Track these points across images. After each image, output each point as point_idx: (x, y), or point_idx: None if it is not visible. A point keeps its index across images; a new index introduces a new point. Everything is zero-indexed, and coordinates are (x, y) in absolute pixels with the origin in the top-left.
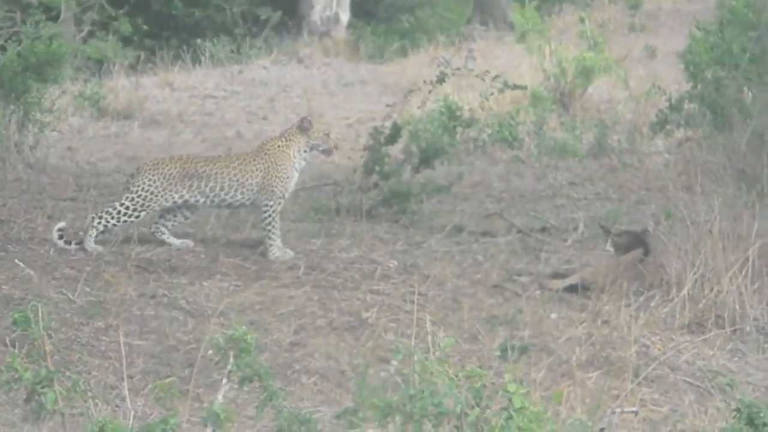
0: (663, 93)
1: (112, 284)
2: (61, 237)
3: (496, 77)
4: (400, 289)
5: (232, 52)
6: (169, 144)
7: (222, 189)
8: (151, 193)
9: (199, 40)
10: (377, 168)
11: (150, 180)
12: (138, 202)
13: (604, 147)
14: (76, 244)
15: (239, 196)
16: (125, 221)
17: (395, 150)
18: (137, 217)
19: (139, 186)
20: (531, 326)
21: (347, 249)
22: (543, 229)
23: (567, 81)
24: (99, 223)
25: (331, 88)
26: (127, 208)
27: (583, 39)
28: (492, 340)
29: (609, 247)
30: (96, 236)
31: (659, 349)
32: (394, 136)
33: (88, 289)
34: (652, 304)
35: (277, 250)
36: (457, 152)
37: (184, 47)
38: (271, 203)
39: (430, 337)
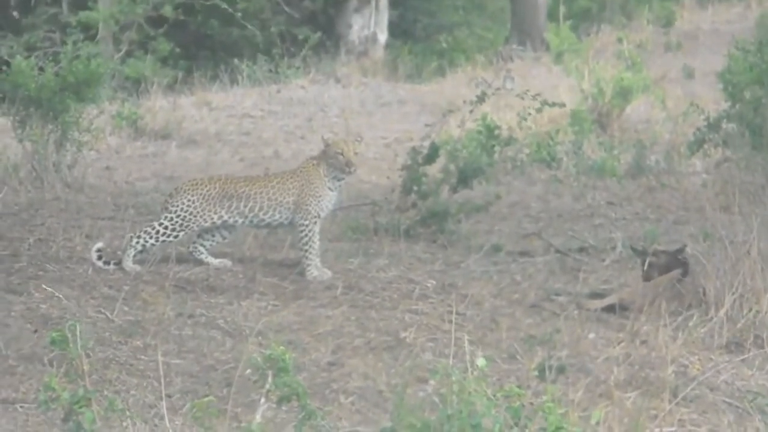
0: (701, 113)
1: (150, 303)
2: (99, 257)
3: (537, 96)
4: (438, 309)
5: (270, 71)
6: (207, 164)
7: (261, 209)
8: (190, 213)
9: (236, 60)
10: (415, 188)
11: (189, 200)
12: (177, 222)
13: (641, 167)
14: (115, 264)
15: (277, 216)
16: (164, 241)
17: (433, 170)
18: (176, 237)
19: (177, 206)
20: (569, 346)
21: (385, 269)
22: (581, 249)
23: (605, 101)
24: (137, 242)
25: (369, 108)
26: (166, 227)
27: (621, 59)
28: (530, 359)
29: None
30: (134, 256)
31: (698, 370)
32: (432, 156)
33: (126, 309)
34: (691, 324)
35: (315, 269)
36: (495, 172)
37: (222, 67)
38: (307, 222)
39: (468, 357)
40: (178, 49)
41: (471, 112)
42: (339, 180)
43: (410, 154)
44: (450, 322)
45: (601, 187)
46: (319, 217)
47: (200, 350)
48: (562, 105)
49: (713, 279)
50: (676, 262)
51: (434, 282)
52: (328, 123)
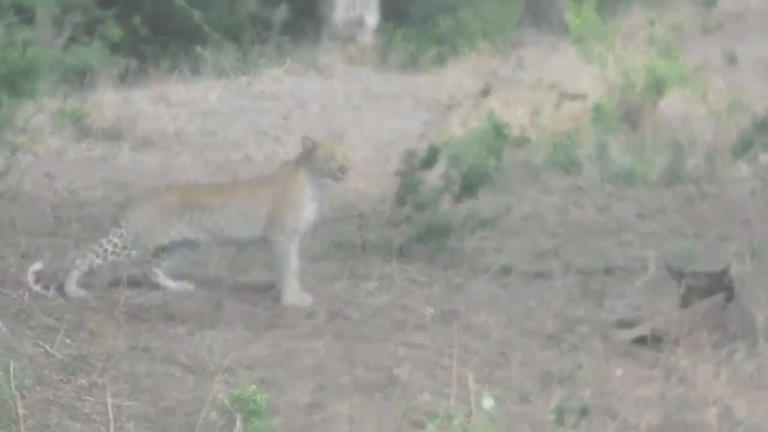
0: (747, 108)
1: (98, 335)
2: (38, 281)
3: (553, 86)
4: (438, 341)
5: (239, 60)
6: (165, 169)
7: (227, 222)
8: (145, 228)
9: (199, 47)
10: (410, 197)
11: (143, 213)
12: (129, 238)
13: (678, 173)
14: (56, 288)
15: (247, 231)
16: (113, 261)
17: (432, 176)
18: (127, 255)
19: (130, 220)
20: (592, 384)
21: (375, 293)
22: (606, 270)
23: (634, 94)
24: (82, 263)
25: (356, 103)
26: (116, 245)
27: (653, 44)
28: (546, 400)
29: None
30: (79, 279)
31: (745, 412)
32: (430, 160)
33: (69, 341)
34: (736, 358)
35: (293, 294)
36: (504, 179)
37: (182, 55)
38: (283, 238)
39: (472, 398)
40: (130, 35)
41: (475, 107)
42: (322, 188)
43: (404, 158)
44: (451, 356)
45: (630, 197)
46: (297, 232)
47: (157, 390)
48: (583, 97)
49: (763, 305)
50: (720, 284)
51: (433, 309)
52: (307, 121)
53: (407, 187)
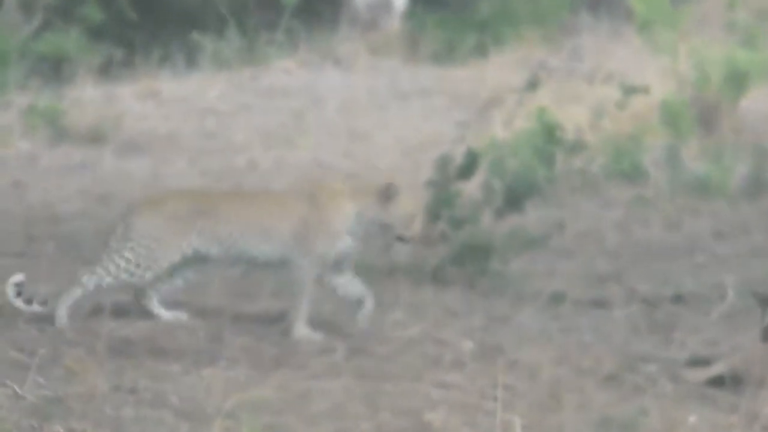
0: None
1: (77, 373)
2: (19, 294)
3: (609, 77)
4: (478, 381)
5: (243, 49)
6: (155, 177)
7: (242, 235)
8: (157, 241)
9: (196, 34)
10: (445, 212)
11: (154, 223)
12: (142, 253)
13: (763, 183)
14: (40, 304)
15: (265, 249)
16: (126, 281)
17: (470, 187)
18: (142, 277)
19: (140, 231)
20: None
21: (404, 324)
22: (677, 298)
23: (711, 91)
24: (89, 280)
25: (381, 101)
26: (129, 261)
27: (733, 32)
28: None
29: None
30: (77, 300)
31: None
32: (468, 168)
33: (42, 380)
34: None
35: (304, 327)
36: (556, 190)
37: (176, 43)
38: (306, 263)
39: None
40: (113, 19)
41: (522, 105)
42: (365, 230)
43: (438, 165)
44: (494, 399)
45: (705, 212)
46: (324, 261)
47: None
48: (647, 90)
49: None
50: None
51: (472, 344)
52: (323, 121)
53: (441, 201)
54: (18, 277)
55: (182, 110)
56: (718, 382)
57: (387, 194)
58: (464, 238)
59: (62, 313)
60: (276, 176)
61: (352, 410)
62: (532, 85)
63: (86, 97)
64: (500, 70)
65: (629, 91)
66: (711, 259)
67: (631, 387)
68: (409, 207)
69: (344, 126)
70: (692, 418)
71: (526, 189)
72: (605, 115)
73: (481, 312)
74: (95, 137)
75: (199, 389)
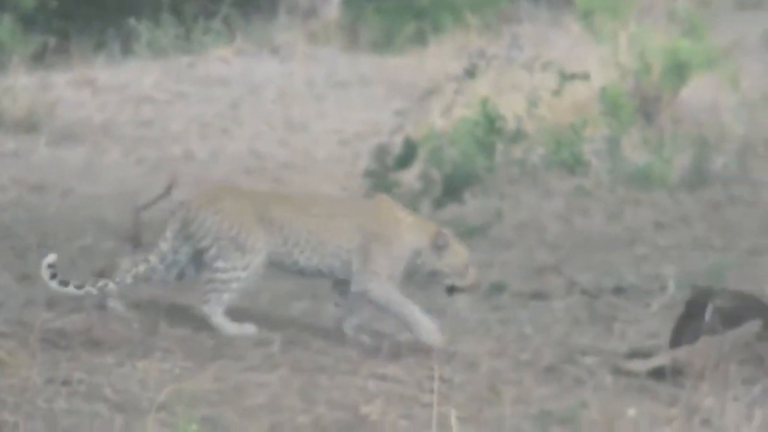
0: None
1: (9, 365)
2: (54, 276)
3: (548, 64)
4: (415, 373)
5: (179, 37)
6: (90, 167)
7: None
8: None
9: (132, 21)
10: None
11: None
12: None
13: (704, 174)
14: (77, 287)
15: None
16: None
17: (409, 176)
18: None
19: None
20: (600, 426)
21: (341, 316)
22: (617, 290)
23: (652, 80)
24: (216, 302)
25: (319, 90)
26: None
27: (675, 21)
28: None
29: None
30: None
31: None
32: (406, 157)
33: None
34: None
35: (427, 330)
36: (496, 180)
37: (111, 30)
38: (379, 284)
39: None
40: (47, 5)
41: (461, 94)
42: (408, 270)
43: (376, 155)
44: (431, 391)
45: (645, 203)
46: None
47: (78, 431)
48: (587, 77)
49: None
50: (754, 308)
51: (409, 335)
52: (261, 111)
53: (379, 190)
54: (51, 258)
55: (117, 99)
56: (658, 374)
57: (438, 242)
58: None
59: (230, 328)
60: (212, 166)
61: (288, 403)
62: (471, 73)
63: (19, 85)
64: (439, 58)
65: (568, 77)
66: (651, 251)
67: (571, 379)
68: (463, 255)
69: (281, 115)
70: (632, 411)
71: (465, 179)
72: (541, 103)
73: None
74: (29, 126)
75: (134, 381)
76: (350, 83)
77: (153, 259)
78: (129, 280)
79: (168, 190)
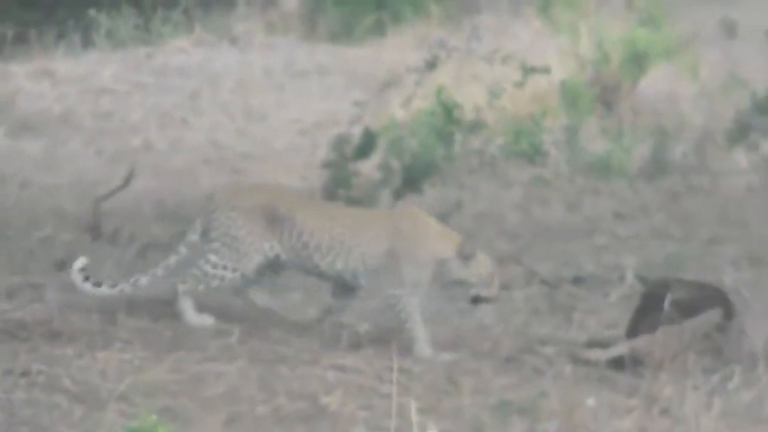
0: (746, 87)
1: None
2: (86, 278)
3: (508, 57)
4: (375, 364)
5: (138, 28)
6: (49, 158)
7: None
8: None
9: (91, 12)
10: (342, 192)
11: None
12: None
13: (662, 164)
14: (110, 287)
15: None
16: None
17: (368, 167)
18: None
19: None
20: (559, 416)
21: (300, 307)
22: (576, 280)
23: (611, 71)
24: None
25: (278, 80)
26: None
27: (634, 11)
28: None
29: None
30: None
31: None
32: (366, 148)
33: None
34: (731, 385)
35: (425, 345)
36: (455, 170)
37: (71, 21)
38: (404, 293)
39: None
40: None
41: (418, 84)
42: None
43: (335, 145)
44: (391, 382)
45: (605, 192)
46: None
47: (38, 422)
48: (547, 71)
49: (762, 322)
50: (713, 297)
51: (369, 325)
52: (219, 101)
53: (338, 180)
54: (81, 262)
55: (77, 89)
56: (617, 364)
57: (465, 252)
58: None
59: (191, 317)
60: (171, 156)
61: (247, 393)
62: (432, 65)
63: None
64: (398, 48)
65: (529, 71)
66: (610, 240)
67: (530, 369)
68: (489, 265)
69: (240, 106)
70: (591, 401)
71: (424, 169)
72: (502, 94)
73: (377, 294)
74: None
75: (93, 372)
76: (309, 73)
77: (183, 250)
78: (160, 272)
79: (127, 181)
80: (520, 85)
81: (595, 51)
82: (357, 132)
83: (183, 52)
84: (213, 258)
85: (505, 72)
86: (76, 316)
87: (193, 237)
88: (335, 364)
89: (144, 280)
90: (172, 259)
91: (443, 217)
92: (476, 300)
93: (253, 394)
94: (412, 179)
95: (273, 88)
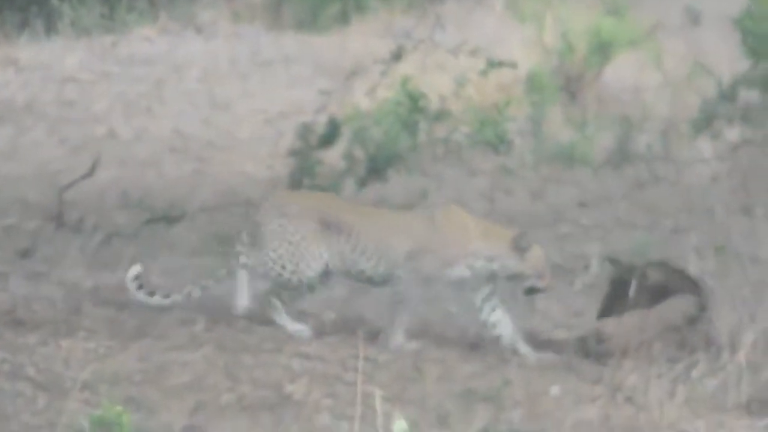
0: (710, 76)
1: None
2: (140, 287)
3: (474, 51)
4: (339, 352)
5: (103, 16)
6: (13, 146)
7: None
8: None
9: (56, 0)
10: (307, 181)
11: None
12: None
13: (627, 153)
14: (163, 296)
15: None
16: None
17: (333, 155)
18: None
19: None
20: (523, 404)
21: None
22: None
23: (575, 60)
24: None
25: (243, 69)
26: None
27: (599, 0)
28: (468, 423)
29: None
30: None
31: None
32: (330, 136)
33: None
34: (695, 373)
35: (402, 337)
36: (420, 159)
37: (34, 9)
38: (411, 279)
39: (380, 420)
40: None
41: (385, 74)
42: (475, 273)
43: (300, 134)
44: (355, 370)
45: (569, 181)
46: (431, 281)
47: (1, 409)
48: (514, 65)
49: (727, 310)
50: (683, 282)
51: (334, 314)
52: (185, 90)
53: (303, 169)
54: (136, 270)
55: (41, 78)
56: (582, 352)
57: (522, 245)
58: None
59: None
60: (136, 145)
61: (212, 382)
62: (397, 56)
63: None
64: (363, 36)
65: (495, 64)
66: (575, 229)
67: (495, 358)
68: (542, 256)
69: (205, 95)
70: (555, 389)
71: (388, 158)
72: (467, 84)
73: (342, 282)
74: None
75: (58, 361)
76: (274, 62)
77: (234, 263)
78: (211, 284)
79: (92, 170)
80: (484, 74)
81: (560, 40)
82: (322, 121)
83: (148, 40)
84: (279, 268)
85: (470, 61)
86: (40, 305)
87: (241, 248)
88: (300, 352)
89: (197, 292)
90: (224, 272)
91: (408, 206)
92: (531, 291)
93: (218, 383)
94: (376, 168)
95: (238, 76)
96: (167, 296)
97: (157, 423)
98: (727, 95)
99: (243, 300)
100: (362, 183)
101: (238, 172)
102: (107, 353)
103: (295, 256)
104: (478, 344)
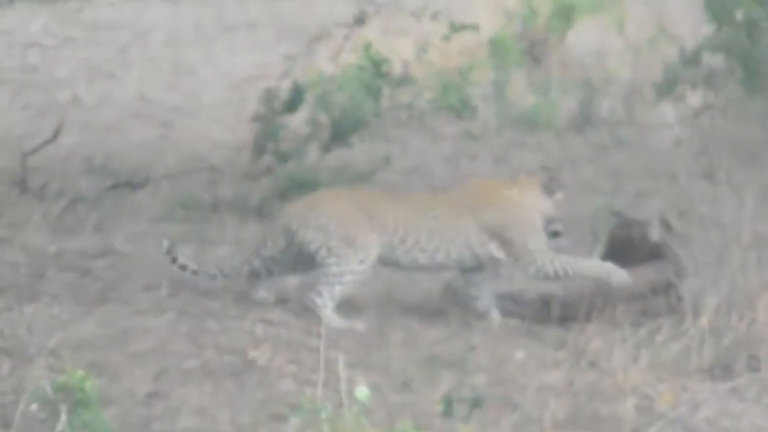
0: (674, 40)
1: None
2: (174, 260)
3: (436, 15)
4: (303, 318)
5: None
6: None
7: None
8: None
9: None
10: (271, 146)
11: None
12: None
13: (590, 117)
14: (193, 272)
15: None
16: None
17: (296, 121)
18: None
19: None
20: (488, 370)
21: (229, 260)
22: None
23: (538, 24)
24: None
25: (207, 33)
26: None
27: None
28: (432, 388)
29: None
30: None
31: (668, 402)
32: (294, 102)
33: None
34: (659, 338)
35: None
36: (383, 124)
37: None
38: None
39: (344, 386)
40: None
41: (349, 39)
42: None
43: (264, 99)
44: (319, 336)
45: (532, 146)
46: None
47: None
48: (476, 28)
49: (690, 275)
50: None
51: (297, 280)
52: (149, 55)
53: (267, 134)
54: (167, 244)
55: (4, 43)
56: (546, 318)
57: (552, 186)
58: (290, 173)
59: (333, 318)
60: (100, 111)
61: (175, 348)
62: (360, 20)
63: None
64: (327, 3)
65: (458, 29)
66: None
67: (459, 323)
68: (562, 199)
69: (169, 60)
70: (520, 354)
71: (352, 123)
72: (430, 48)
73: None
74: None
75: (21, 326)
76: (239, 27)
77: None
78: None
79: (55, 136)
80: (447, 38)
81: (523, 4)
82: (286, 86)
83: (112, 5)
84: (333, 260)
85: (433, 26)
86: (3, 270)
87: (265, 252)
88: (263, 318)
89: (227, 269)
90: (246, 268)
91: (371, 172)
92: (555, 234)
93: (182, 348)
94: (340, 133)
95: (202, 42)
96: (196, 272)
97: (120, 388)
98: (691, 60)
99: (263, 291)
100: (326, 148)
101: (203, 137)
102: (71, 319)
103: (349, 248)
104: (442, 310)
